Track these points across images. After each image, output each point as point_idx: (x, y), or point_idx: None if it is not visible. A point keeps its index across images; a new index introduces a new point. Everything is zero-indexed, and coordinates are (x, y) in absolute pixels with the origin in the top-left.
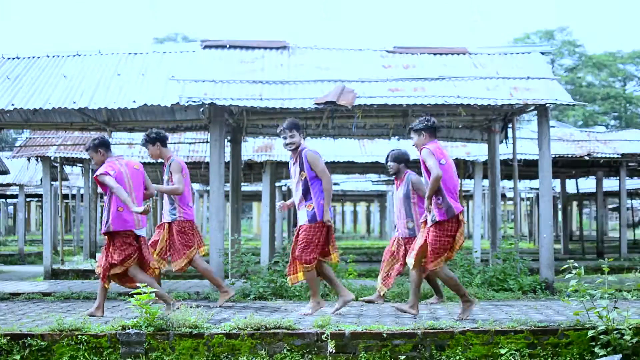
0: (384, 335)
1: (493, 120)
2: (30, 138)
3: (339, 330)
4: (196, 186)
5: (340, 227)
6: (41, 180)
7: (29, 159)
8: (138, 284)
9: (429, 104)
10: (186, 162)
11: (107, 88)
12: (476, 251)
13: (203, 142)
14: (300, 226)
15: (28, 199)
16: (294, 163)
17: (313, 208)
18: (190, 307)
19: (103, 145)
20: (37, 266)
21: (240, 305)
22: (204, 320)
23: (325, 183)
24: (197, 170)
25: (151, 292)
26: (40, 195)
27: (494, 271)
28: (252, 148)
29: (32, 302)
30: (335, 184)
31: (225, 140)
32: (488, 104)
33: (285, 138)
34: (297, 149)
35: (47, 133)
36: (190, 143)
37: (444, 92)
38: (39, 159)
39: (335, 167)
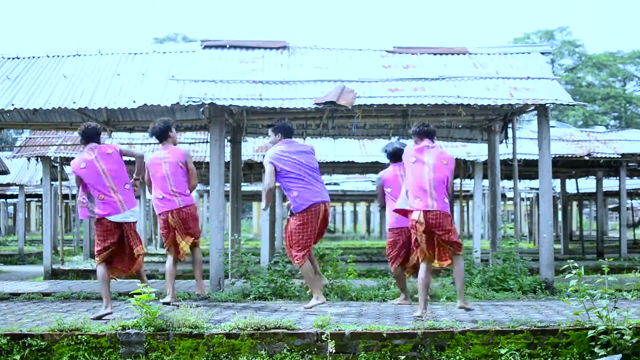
0: (384, 335)
1: (493, 120)
2: (30, 138)
3: (339, 330)
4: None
5: (340, 227)
6: (41, 180)
7: (29, 159)
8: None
9: (429, 104)
10: None
11: (107, 88)
12: (476, 251)
13: (203, 142)
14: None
15: (28, 199)
16: None
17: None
18: (191, 307)
19: (82, 135)
20: (37, 266)
21: (240, 305)
22: (204, 320)
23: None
24: (198, 170)
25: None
26: (40, 195)
27: (494, 271)
28: (252, 148)
29: (32, 302)
30: (335, 183)
31: (225, 140)
32: (488, 104)
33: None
34: None
35: (47, 133)
36: (190, 143)
37: (444, 92)
38: (39, 159)
39: (335, 167)
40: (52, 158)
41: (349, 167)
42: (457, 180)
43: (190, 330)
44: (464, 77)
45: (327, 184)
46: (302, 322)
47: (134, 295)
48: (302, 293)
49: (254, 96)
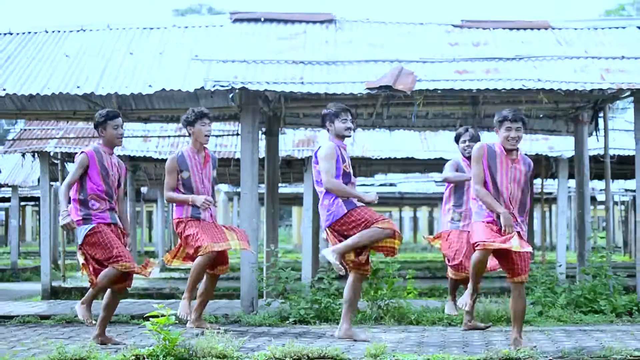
0: None
1: (581, 109)
2: (25, 130)
3: None
4: (225, 187)
5: None
6: (38, 180)
7: (23, 155)
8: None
9: (504, 89)
10: None
11: (118, 70)
12: (560, 265)
13: (233, 135)
14: None
15: (23, 203)
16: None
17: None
18: (218, 332)
19: None
20: (34, 283)
21: (277, 330)
22: (234, 348)
23: None
24: (226, 168)
25: None
26: (37, 199)
27: (581, 289)
28: (292, 142)
29: (27, 326)
30: (391, 184)
31: (260, 132)
32: (575, 88)
33: (346, 121)
34: None
35: (46, 124)
36: (217, 136)
37: (521, 75)
38: (36, 154)
39: (391, 164)
40: (51, 154)
41: (407, 165)
42: (538, 181)
43: None
44: (546, 57)
45: (381, 185)
46: (351, 351)
47: (150, 319)
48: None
49: (294, 79)
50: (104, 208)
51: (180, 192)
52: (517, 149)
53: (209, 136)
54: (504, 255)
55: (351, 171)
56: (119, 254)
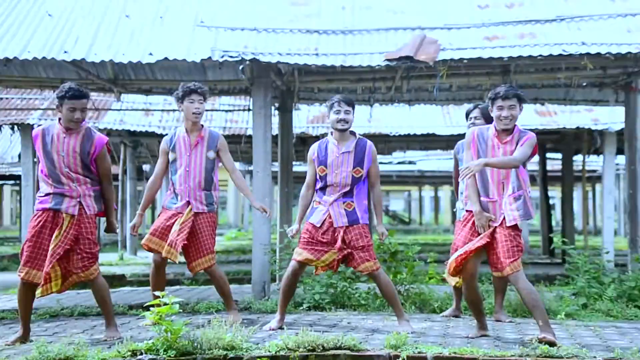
0: None
1: (634, 75)
2: (3, 99)
3: (419, 352)
4: (236, 165)
5: (417, 217)
6: (19, 156)
7: (0, 127)
8: None
9: (540, 56)
10: (223, 135)
11: (113, 34)
12: (607, 252)
13: (243, 110)
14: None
15: (1, 182)
16: (344, 152)
17: (354, 208)
18: (225, 321)
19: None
20: (12, 273)
21: (291, 317)
22: (243, 338)
23: (380, 192)
24: (237, 145)
25: None
26: (17, 177)
27: (635, 280)
28: (306, 118)
29: (2, 323)
30: (411, 162)
31: (272, 107)
32: (628, 51)
33: (339, 112)
34: (348, 131)
35: (28, 92)
36: (227, 111)
37: (562, 39)
38: (17, 127)
39: (411, 141)
40: (35, 127)
41: (428, 142)
42: (579, 157)
43: (225, 353)
44: (593, 16)
45: (400, 163)
46: (370, 341)
47: (150, 308)
48: (370, 301)
49: (308, 50)
50: (46, 192)
51: (169, 177)
52: (512, 129)
53: (198, 114)
54: (487, 250)
55: (339, 172)
56: (27, 259)
